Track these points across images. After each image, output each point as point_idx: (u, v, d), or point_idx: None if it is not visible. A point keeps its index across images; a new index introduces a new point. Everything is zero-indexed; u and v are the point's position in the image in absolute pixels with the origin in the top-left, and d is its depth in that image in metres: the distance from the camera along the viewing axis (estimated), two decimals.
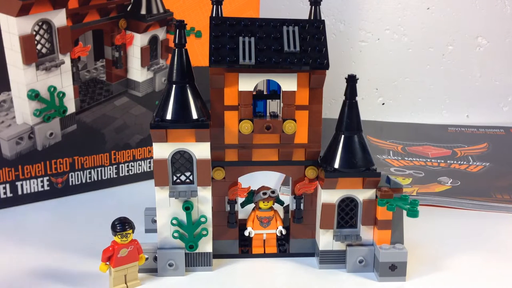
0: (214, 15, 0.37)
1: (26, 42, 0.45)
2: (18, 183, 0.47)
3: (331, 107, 0.80)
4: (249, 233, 0.39)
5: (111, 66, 0.49)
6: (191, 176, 0.36)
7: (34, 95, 0.46)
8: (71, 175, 0.49)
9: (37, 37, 0.45)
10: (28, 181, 0.47)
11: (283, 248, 0.40)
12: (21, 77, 0.45)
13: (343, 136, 0.37)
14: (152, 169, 0.53)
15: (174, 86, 0.36)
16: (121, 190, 0.52)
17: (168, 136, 0.35)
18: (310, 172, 0.38)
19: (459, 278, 0.38)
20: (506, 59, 0.77)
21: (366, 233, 0.38)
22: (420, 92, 0.79)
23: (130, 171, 0.53)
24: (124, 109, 0.51)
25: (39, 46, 0.45)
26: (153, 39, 0.50)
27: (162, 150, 0.35)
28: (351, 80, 0.38)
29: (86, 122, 0.49)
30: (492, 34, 0.77)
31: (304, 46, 0.36)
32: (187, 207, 0.36)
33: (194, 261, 0.37)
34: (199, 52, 0.53)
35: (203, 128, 0.35)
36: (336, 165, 0.37)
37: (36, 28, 0.45)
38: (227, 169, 0.38)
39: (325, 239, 0.38)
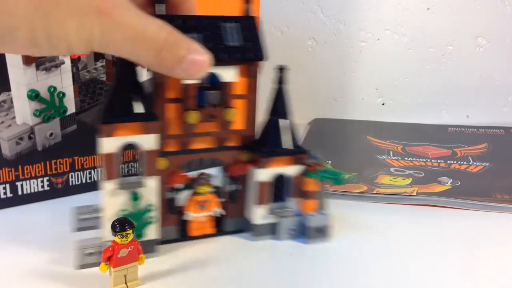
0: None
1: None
2: (18, 183, 0.47)
3: (331, 107, 0.80)
4: (188, 216, 0.42)
5: (111, 67, 0.49)
6: (139, 167, 0.38)
7: (34, 95, 0.46)
8: (71, 175, 0.49)
9: None
10: (28, 181, 0.47)
11: (220, 228, 0.43)
12: (21, 77, 0.45)
13: (273, 120, 0.42)
14: None
15: (118, 81, 0.37)
16: None
17: (116, 130, 0.36)
18: (244, 156, 0.42)
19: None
20: (506, 59, 0.77)
21: (295, 204, 0.43)
22: (420, 92, 0.79)
23: (130, 171, 0.53)
24: None
25: None
26: None
27: (110, 144, 0.36)
28: (281, 70, 0.42)
29: (86, 122, 0.49)
30: (492, 34, 0.77)
31: (242, 41, 0.39)
32: (135, 197, 0.38)
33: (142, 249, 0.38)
34: None
35: (152, 120, 0.37)
36: (269, 147, 0.41)
37: None
38: (169, 158, 0.40)
39: (259, 214, 0.42)
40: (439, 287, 0.37)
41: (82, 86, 0.49)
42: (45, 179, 0.48)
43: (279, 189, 0.43)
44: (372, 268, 0.39)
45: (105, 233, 0.37)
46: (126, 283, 0.36)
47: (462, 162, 0.61)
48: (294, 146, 0.42)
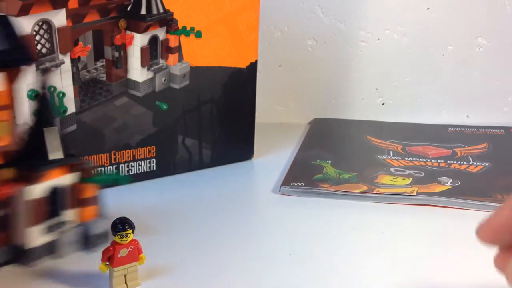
0: None
1: (26, 42, 0.44)
2: None
3: (331, 107, 0.80)
4: None
5: (111, 66, 0.49)
6: None
7: (34, 95, 0.46)
8: None
9: (37, 37, 0.45)
10: None
11: None
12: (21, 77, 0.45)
13: (37, 129, 0.38)
14: (151, 168, 0.54)
15: None
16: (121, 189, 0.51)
17: None
18: (9, 174, 0.37)
19: None
20: (506, 59, 0.77)
21: (73, 215, 0.40)
22: (420, 92, 0.79)
23: (130, 171, 0.53)
24: (124, 109, 0.51)
25: (39, 46, 0.45)
26: (153, 39, 0.50)
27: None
28: (43, 74, 0.42)
29: (86, 122, 0.49)
30: (492, 34, 0.76)
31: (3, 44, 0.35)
32: None
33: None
34: (199, 53, 0.53)
35: None
36: (38, 159, 0.37)
37: (36, 28, 0.45)
38: None
39: (34, 235, 0.38)
40: (439, 287, 0.37)
41: (82, 86, 0.49)
42: None
43: (54, 203, 0.39)
44: (372, 268, 0.39)
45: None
46: (126, 283, 0.36)
47: (462, 162, 0.61)
48: (64, 154, 0.39)
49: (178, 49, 0.52)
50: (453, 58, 0.78)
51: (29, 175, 0.36)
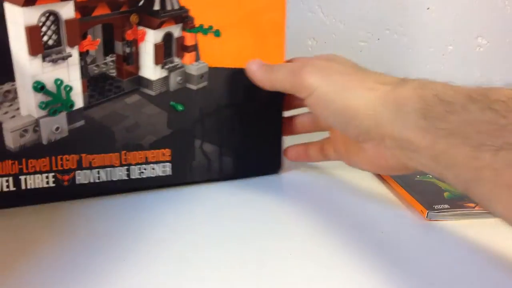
0: None
1: (32, 32, 0.43)
2: (22, 177, 0.45)
3: None
4: None
5: (122, 62, 0.48)
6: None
7: (39, 87, 0.44)
8: (78, 173, 0.48)
9: (44, 28, 0.43)
10: (32, 176, 0.46)
11: None
12: (27, 67, 0.43)
13: None
14: (165, 173, 0.51)
15: None
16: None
17: None
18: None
19: None
20: (506, 59, 0.78)
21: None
22: None
23: (142, 174, 0.50)
24: (136, 108, 0.49)
25: (45, 38, 0.44)
26: (167, 36, 0.49)
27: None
28: None
29: (95, 118, 0.47)
30: (492, 34, 0.77)
31: None
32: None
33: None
34: (218, 53, 0.51)
35: None
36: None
37: (43, 19, 0.43)
38: None
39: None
40: None
41: (91, 81, 0.47)
42: (51, 175, 0.46)
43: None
44: None
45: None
46: None
47: None
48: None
49: (195, 48, 0.50)
50: (453, 58, 0.78)
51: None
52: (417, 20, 0.76)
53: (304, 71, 0.44)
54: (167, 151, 0.50)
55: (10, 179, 0.45)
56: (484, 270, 0.38)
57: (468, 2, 0.76)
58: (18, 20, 0.42)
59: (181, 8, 0.48)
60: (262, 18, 0.51)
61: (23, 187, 0.45)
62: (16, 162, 0.44)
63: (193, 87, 0.50)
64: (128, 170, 0.49)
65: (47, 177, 0.46)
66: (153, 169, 0.50)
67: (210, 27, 0.49)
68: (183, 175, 0.51)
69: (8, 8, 0.42)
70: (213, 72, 0.51)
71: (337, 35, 0.77)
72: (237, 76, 0.51)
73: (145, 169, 0.49)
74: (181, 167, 0.51)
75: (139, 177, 0.49)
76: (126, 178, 0.49)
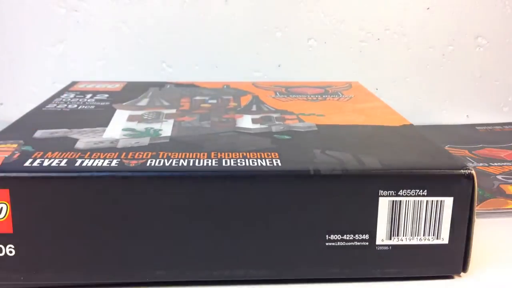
0: None
1: None
2: None
3: None
4: None
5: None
6: None
7: (128, 128, 0.44)
8: None
9: None
10: None
11: None
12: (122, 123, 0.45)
13: None
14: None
15: None
16: None
17: None
18: None
19: None
20: (506, 59, 0.78)
21: None
22: (420, 92, 0.79)
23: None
24: (232, 137, 0.42)
25: None
26: (266, 117, 0.50)
27: None
28: None
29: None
30: (492, 34, 0.77)
31: None
32: None
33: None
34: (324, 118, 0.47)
35: None
36: None
37: None
38: None
39: None
40: None
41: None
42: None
43: None
44: None
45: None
46: None
47: None
48: None
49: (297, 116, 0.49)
50: (453, 58, 0.78)
51: None
52: (417, 20, 0.76)
53: None
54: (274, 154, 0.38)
55: None
56: None
57: (468, 2, 0.76)
58: None
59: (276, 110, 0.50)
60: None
61: None
62: None
63: (300, 129, 0.45)
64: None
65: None
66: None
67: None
68: None
69: None
70: (322, 128, 0.46)
71: (337, 35, 0.77)
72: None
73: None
74: None
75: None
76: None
